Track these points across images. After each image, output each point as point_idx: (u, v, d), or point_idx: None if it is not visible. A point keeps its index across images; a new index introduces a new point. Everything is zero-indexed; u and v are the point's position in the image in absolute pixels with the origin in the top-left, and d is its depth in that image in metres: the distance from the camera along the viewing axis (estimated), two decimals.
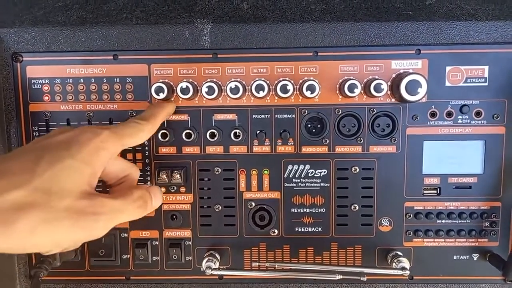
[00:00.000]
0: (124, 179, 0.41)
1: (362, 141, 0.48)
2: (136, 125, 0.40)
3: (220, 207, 0.49)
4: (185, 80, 0.46)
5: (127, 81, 0.48)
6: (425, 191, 0.49)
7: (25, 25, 0.48)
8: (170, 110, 0.46)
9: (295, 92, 0.47)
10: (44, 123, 0.48)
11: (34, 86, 0.48)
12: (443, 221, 0.49)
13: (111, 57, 0.47)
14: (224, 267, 0.49)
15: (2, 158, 0.34)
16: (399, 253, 0.49)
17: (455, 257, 0.50)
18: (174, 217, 0.50)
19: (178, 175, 0.48)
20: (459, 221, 0.49)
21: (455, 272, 0.50)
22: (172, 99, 0.48)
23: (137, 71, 0.47)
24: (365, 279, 0.46)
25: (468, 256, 0.49)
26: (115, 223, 0.35)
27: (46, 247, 0.32)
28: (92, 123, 0.48)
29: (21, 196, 0.30)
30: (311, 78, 0.46)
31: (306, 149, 0.48)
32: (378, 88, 0.45)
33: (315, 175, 0.49)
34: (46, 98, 0.48)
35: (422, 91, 0.44)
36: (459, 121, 0.48)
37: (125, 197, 0.37)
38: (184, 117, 0.48)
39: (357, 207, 0.49)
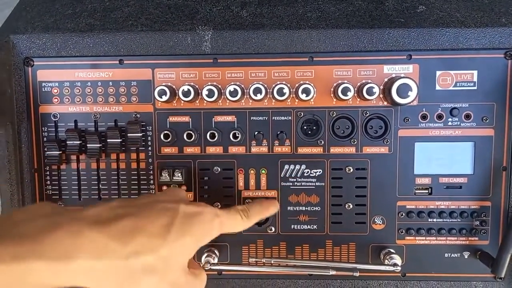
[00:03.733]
0: None
1: (355, 142, 0.50)
2: (241, 222, 0.41)
3: (219, 205, 0.51)
4: (186, 83, 0.49)
5: (132, 84, 0.50)
6: (416, 191, 0.50)
7: (37, 31, 0.50)
8: (273, 212, 0.47)
9: (291, 95, 0.49)
10: (53, 124, 0.51)
11: (44, 89, 0.51)
12: (435, 220, 0.51)
13: (117, 62, 0.50)
14: (223, 263, 0.51)
15: (135, 208, 0.35)
16: (392, 250, 0.51)
17: (446, 255, 0.51)
18: None
19: (180, 174, 0.50)
20: (450, 220, 0.50)
21: (447, 270, 0.51)
22: (175, 101, 0.50)
23: (142, 75, 0.50)
24: (357, 274, 0.48)
25: (459, 254, 0.51)
26: None
27: None
28: (98, 124, 0.51)
29: (151, 260, 0.32)
30: (307, 82, 0.48)
31: (302, 150, 0.50)
32: (370, 92, 0.47)
33: (311, 175, 0.51)
34: (56, 100, 0.51)
35: (413, 94, 0.46)
36: (449, 123, 0.49)
37: (201, 277, 0.39)
38: (186, 118, 0.50)
39: (351, 206, 0.51)
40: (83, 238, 0.31)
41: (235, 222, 0.41)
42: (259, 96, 0.48)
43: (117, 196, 0.51)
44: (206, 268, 0.49)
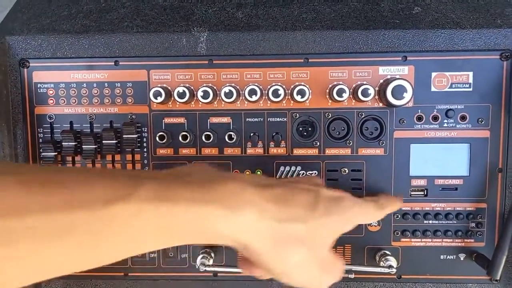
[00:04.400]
0: None
1: (351, 144, 0.50)
2: (374, 212, 0.41)
3: None
4: (182, 84, 0.49)
5: (128, 85, 0.50)
6: (412, 193, 0.50)
7: (33, 33, 0.50)
8: (400, 207, 0.47)
9: (286, 97, 0.49)
10: (49, 125, 0.51)
11: (39, 90, 0.51)
12: (430, 221, 0.50)
13: (113, 63, 0.50)
14: (218, 264, 0.51)
15: (280, 182, 0.37)
16: (387, 252, 0.50)
17: (442, 257, 0.51)
18: None
19: None
20: (446, 222, 0.50)
21: (443, 272, 0.51)
22: (170, 103, 0.50)
23: (137, 76, 0.50)
24: (352, 276, 0.48)
25: (455, 256, 0.51)
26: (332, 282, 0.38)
27: (293, 282, 0.35)
28: (94, 125, 0.51)
29: (299, 230, 0.33)
30: (302, 83, 0.48)
31: (297, 151, 0.50)
32: (365, 93, 0.47)
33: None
34: (51, 101, 0.51)
35: (408, 95, 0.46)
36: (445, 125, 0.49)
37: (341, 263, 0.39)
38: (181, 120, 0.50)
39: None
40: (249, 195, 0.32)
41: (369, 212, 0.41)
42: (254, 98, 0.48)
43: None
44: (201, 270, 0.49)
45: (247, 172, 0.51)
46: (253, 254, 0.33)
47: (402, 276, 0.51)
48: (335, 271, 0.37)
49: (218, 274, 0.52)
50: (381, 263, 0.49)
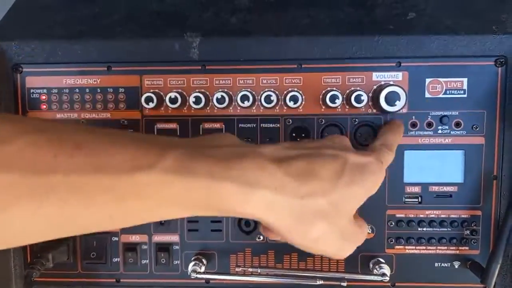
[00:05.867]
0: None
1: None
2: (388, 156, 0.42)
3: None
4: (174, 90, 0.48)
5: (120, 91, 0.50)
6: (406, 200, 0.50)
7: (26, 38, 0.50)
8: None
9: (279, 103, 0.49)
10: None
11: (32, 95, 0.51)
12: (425, 229, 0.50)
13: (105, 69, 0.50)
14: (210, 271, 0.51)
15: (305, 150, 0.36)
16: (381, 259, 0.50)
17: (436, 265, 0.50)
18: (163, 222, 0.51)
19: None
20: (440, 229, 0.50)
21: (437, 279, 0.51)
22: (162, 108, 0.50)
23: (129, 81, 0.50)
24: (345, 284, 0.47)
25: (449, 264, 0.50)
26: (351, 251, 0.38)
27: (313, 252, 0.36)
28: None
29: (322, 204, 0.33)
30: (295, 89, 0.48)
31: None
32: (358, 99, 0.46)
33: None
34: (44, 106, 0.51)
35: (401, 102, 0.45)
36: (439, 131, 0.49)
37: (364, 229, 0.39)
38: (173, 125, 0.50)
39: None
40: (266, 171, 0.32)
41: (389, 162, 0.41)
42: (246, 103, 0.47)
43: None
44: (193, 277, 0.49)
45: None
46: (271, 228, 0.33)
47: (396, 284, 0.51)
48: (357, 238, 0.38)
49: (210, 281, 0.52)
50: (375, 270, 0.49)
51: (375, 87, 0.48)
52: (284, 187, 0.32)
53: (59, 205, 0.26)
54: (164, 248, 0.51)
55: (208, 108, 0.50)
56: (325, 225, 0.33)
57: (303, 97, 0.48)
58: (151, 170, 0.28)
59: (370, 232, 0.50)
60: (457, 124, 0.49)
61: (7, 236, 0.27)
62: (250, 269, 0.50)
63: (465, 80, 0.48)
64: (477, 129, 0.49)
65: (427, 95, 0.49)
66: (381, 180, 0.38)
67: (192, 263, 0.50)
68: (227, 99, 0.47)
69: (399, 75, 0.49)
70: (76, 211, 0.27)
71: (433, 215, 0.50)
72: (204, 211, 0.31)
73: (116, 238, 0.52)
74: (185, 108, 0.50)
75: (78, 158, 0.27)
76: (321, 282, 0.47)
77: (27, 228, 0.27)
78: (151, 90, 0.49)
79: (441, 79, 0.48)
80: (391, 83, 0.48)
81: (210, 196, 0.30)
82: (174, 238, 0.52)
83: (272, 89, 0.48)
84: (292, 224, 0.33)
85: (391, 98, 0.45)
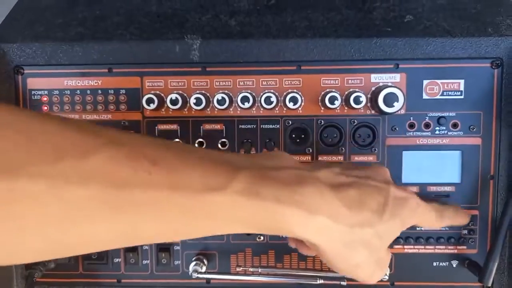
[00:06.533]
0: None
1: (343, 151, 0.50)
2: (434, 220, 0.43)
3: None
4: (175, 91, 0.49)
5: (121, 92, 0.50)
6: None
7: (27, 40, 0.51)
8: (464, 224, 0.48)
9: (279, 104, 0.50)
10: None
11: (34, 97, 0.51)
12: (423, 228, 0.51)
13: (106, 70, 0.50)
14: (211, 271, 0.51)
15: (354, 178, 0.37)
16: None
17: (435, 264, 0.51)
18: None
19: None
20: (438, 229, 0.50)
21: (435, 279, 0.51)
22: (163, 109, 0.50)
23: (130, 83, 0.50)
24: (345, 283, 0.48)
25: (447, 263, 0.51)
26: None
27: (347, 274, 0.39)
28: None
29: (367, 234, 0.35)
30: (294, 91, 0.48)
31: None
32: (357, 100, 0.47)
33: None
34: (45, 108, 0.51)
35: (399, 103, 0.46)
36: (437, 132, 0.50)
37: (389, 256, 0.41)
38: (174, 126, 0.51)
39: None
40: (324, 198, 0.33)
41: (429, 218, 0.42)
42: (247, 105, 0.48)
43: None
44: (194, 277, 0.49)
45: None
46: (317, 249, 0.35)
47: (395, 283, 0.51)
48: (386, 265, 0.40)
49: (211, 281, 0.52)
50: None
51: (373, 88, 0.49)
52: (338, 215, 0.34)
53: (132, 220, 0.27)
54: (165, 248, 0.52)
55: (208, 109, 0.50)
56: (367, 253, 0.36)
57: (303, 98, 0.49)
58: (223, 192, 0.30)
59: None
60: (454, 125, 0.49)
61: (78, 246, 0.28)
62: (251, 269, 0.50)
63: (462, 81, 0.49)
64: (474, 129, 0.49)
65: (424, 96, 0.49)
66: (414, 219, 0.40)
67: (193, 263, 0.50)
68: (227, 100, 0.48)
69: (397, 77, 0.49)
70: (147, 225, 0.28)
71: None
72: (261, 230, 0.33)
73: None
74: (185, 110, 0.50)
75: (155, 175, 0.28)
76: (321, 281, 0.48)
77: (99, 239, 0.27)
78: (152, 92, 0.50)
79: (438, 81, 0.49)
80: (389, 84, 0.48)
81: (274, 218, 0.32)
82: None
83: (272, 91, 0.48)
84: (339, 249, 0.35)
85: (390, 99, 0.46)
